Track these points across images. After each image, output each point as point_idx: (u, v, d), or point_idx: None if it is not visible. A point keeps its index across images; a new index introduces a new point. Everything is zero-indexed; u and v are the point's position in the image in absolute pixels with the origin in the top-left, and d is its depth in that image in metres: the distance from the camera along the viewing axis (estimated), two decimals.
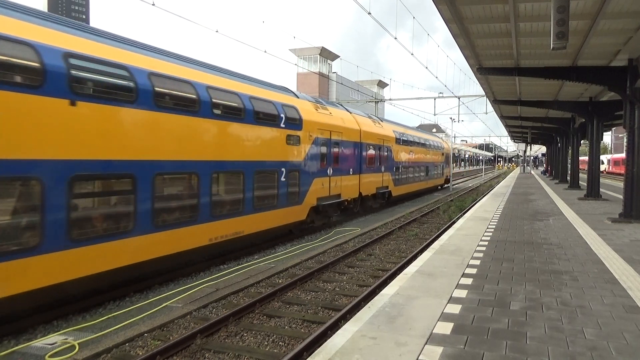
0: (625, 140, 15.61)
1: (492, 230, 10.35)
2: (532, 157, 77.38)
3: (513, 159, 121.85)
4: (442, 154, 37.79)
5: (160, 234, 9.04)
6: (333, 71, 78.59)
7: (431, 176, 33.33)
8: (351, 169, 18.32)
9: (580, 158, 28.15)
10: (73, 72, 7.43)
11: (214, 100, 10.49)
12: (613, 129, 70.69)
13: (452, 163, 46.46)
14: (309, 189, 14.84)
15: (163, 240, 9.13)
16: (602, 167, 55.20)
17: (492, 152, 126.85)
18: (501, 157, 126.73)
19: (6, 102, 6.42)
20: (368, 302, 5.20)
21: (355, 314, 4.87)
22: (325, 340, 4.29)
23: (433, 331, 4.30)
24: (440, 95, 37.15)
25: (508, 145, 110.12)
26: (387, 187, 22.88)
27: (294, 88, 19.31)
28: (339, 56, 79.71)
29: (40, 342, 6.55)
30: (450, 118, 45.45)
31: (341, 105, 21.41)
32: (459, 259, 7.31)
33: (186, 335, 6.39)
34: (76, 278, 7.42)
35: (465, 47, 11.91)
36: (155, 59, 9.45)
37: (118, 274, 8.32)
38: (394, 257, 12.07)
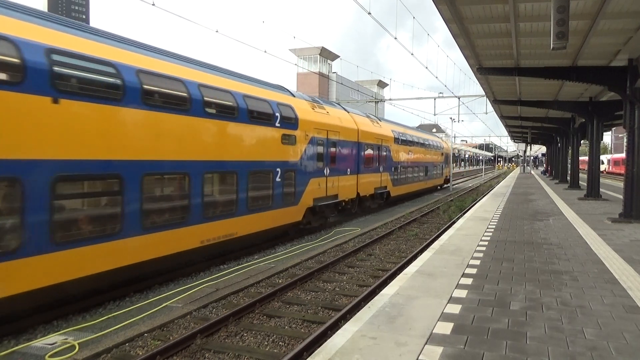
0: (625, 140, 15.62)
1: (492, 230, 10.36)
2: (532, 157, 77.38)
3: (513, 159, 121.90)
4: (442, 154, 37.77)
5: (148, 236, 8.79)
6: (333, 71, 78.59)
7: (430, 176, 33.28)
8: (349, 169, 18.13)
9: (580, 158, 28.16)
10: (56, 68, 7.12)
11: (205, 98, 10.25)
12: (613, 129, 70.75)
13: (452, 163, 46.48)
14: (305, 190, 14.63)
15: (152, 243, 8.85)
16: (602, 167, 55.23)
17: (492, 152, 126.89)
18: (501, 157, 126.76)
19: None
20: (368, 302, 5.20)
21: (355, 314, 4.87)
22: (325, 340, 4.29)
23: (433, 331, 4.30)
24: (440, 95, 37.20)
25: (508, 145, 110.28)
26: (385, 187, 22.74)
27: (294, 88, 19.26)
28: (339, 56, 79.75)
29: (40, 342, 6.55)
30: (450, 118, 45.50)
31: (339, 104, 21.25)
32: (459, 259, 7.31)
33: (186, 335, 6.39)
34: (59, 282, 7.15)
35: (465, 47, 11.91)
36: (144, 55, 9.20)
37: (105, 277, 8.09)
38: (394, 257, 12.07)
